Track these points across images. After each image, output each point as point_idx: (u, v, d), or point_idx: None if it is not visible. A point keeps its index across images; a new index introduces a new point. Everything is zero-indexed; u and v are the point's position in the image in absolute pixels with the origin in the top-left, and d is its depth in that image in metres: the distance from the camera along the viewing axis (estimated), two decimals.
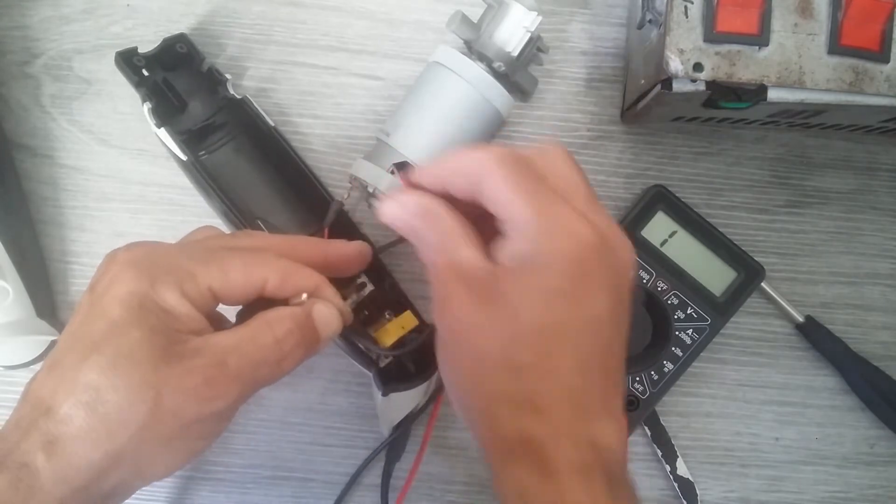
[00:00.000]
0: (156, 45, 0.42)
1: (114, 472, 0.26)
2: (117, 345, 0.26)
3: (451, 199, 0.28)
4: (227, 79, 0.43)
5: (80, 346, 0.26)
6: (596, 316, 0.26)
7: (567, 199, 0.26)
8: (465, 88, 0.39)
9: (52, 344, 0.42)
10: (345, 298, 0.41)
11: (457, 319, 0.27)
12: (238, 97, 0.43)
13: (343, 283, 0.41)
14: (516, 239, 0.26)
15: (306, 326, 0.30)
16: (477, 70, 0.39)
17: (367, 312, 0.41)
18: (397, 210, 0.29)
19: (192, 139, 0.42)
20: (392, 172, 0.32)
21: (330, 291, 0.31)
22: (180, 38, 0.43)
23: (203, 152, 0.43)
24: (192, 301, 0.28)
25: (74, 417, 0.25)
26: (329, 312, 0.31)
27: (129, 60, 0.41)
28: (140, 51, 0.42)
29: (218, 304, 0.29)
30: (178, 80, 0.43)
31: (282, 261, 0.30)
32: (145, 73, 0.42)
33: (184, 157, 0.41)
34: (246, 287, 0.29)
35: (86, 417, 0.25)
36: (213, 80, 0.43)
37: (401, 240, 0.43)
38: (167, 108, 0.42)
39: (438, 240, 0.28)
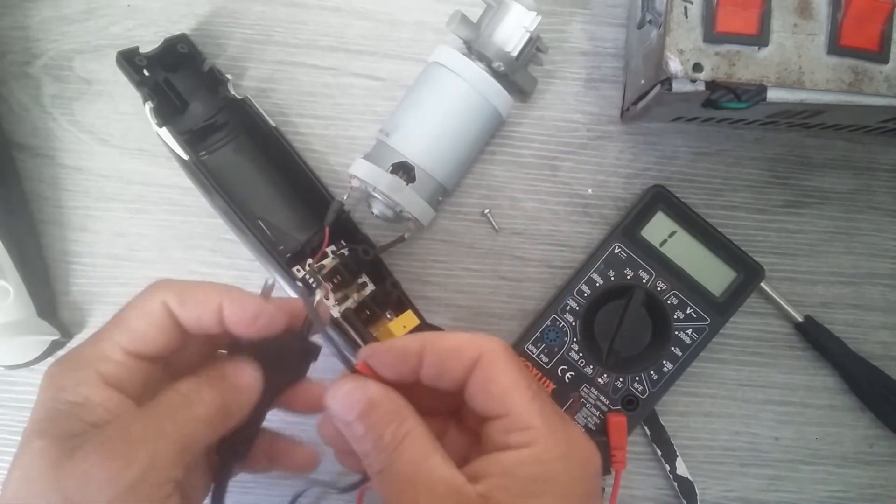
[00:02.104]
0: (156, 45, 0.42)
1: None
2: (23, 459, 0.24)
3: (393, 385, 0.26)
4: (227, 79, 0.43)
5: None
6: None
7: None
8: (465, 88, 0.39)
9: (53, 344, 0.42)
10: (346, 298, 0.41)
11: None
12: (239, 97, 0.43)
13: (344, 284, 0.41)
14: (525, 456, 0.24)
15: (213, 377, 0.27)
16: (476, 70, 0.39)
17: (368, 312, 0.42)
18: (345, 407, 0.25)
19: (193, 139, 0.42)
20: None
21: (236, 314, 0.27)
22: (181, 39, 0.43)
23: (204, 152, 0.43)
24: (113, 377, 0.25)
25: None
26: (237, 367, 0.27)
27: (130, 60, 0.41)
28: (141, 51, 0.42)
29: (157, 353, 0.27)
30: (179, 80, 0.43)
31: (175, 281, 0.27)
32: (146, 73, 0.42)
33: (185, 157, 0.41)
34: (151, 323, 0.26)
35: None
36: (213, 81, 0.43)
37: (401, 239, 0.43)
38: (168, 108, 0.43)
39: (402, 445, 0.24)
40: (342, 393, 0.26)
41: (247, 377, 0.27)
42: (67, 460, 0.23)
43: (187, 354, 0.29)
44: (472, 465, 0.25)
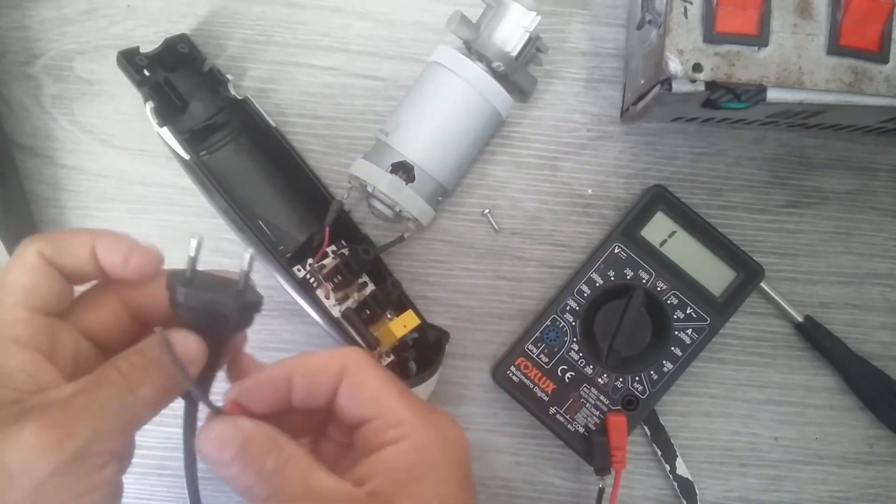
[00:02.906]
0: (156, 45, 0.42)
1: None
2: None
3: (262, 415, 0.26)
4: (228, 79, 0.43)
5: None
6: None
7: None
8: (465, 88, 0.39)
9: None
10: (346, 298, 0.41)
11: None
12: (239, 98, 0.43)
13: (344, 284, 0.41)
14: (403, 447, 0.25)
15: (156, 355, 0.26)
16: (476, 70, 0.39)
17: (368, 312, 0.42)
18: (219, 449, 0.25)
19: (194, 139, 0.42)
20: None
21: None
22: (182, 39, 0.43)
23: (204, 152, 0.43)
24: (25, 337, 0.25)
25: None
26: (179, 341, 0.27)
27: (131, 60, 0.41)
28: (141, 51, 0.42)
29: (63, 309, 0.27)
30: (180, 80, 0.43)
31: (46, 233, 0.26)
32: (147, 73, 0.42)
33: (186, 156, 0.41)
34: (36, 275, 0.26)
35: None
36: (214, 81, 0.43)
37: (400, 239, 0.43)
38: (169, 108, 0.43)
39: (285, 469, 0.25)
40: (214, 435, 0.26)
41: (191, 352, 0.27)
42: (5, 429, 0.23)
43: (103, 318, 0.28)
44: (353, 472, 0.25)
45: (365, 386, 0.26)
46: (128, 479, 0.27)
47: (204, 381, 0.28)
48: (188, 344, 0.26)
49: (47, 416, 0.23)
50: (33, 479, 0.23)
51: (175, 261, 0.44)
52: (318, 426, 0.30)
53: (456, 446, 0.26)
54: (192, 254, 0.27)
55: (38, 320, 0.26)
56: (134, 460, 0.43)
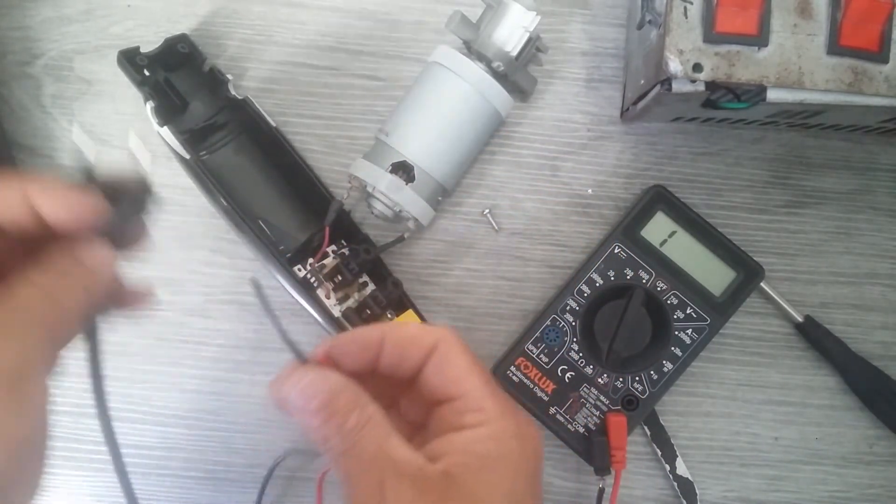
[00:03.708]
0: (156, 45, 0.42)
1: None
2: None
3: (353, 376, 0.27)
4: (228, 79, 0.43)
5: None
6: None
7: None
8: (465, 88, 0.39)
9: None
10: (347, 298, 0.41)
11: None
12: (239, 97, 0.43)
13: (345, 283, 0.41)
14: (480, 434, 0.25)
15: (70, 265, 0.25)
16: (476, 70, 0.39)
17: (369, 312, 0.42)
18: (306, 398, 0.26)
19: (194, 139, 0.42)
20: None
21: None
22: (182, 39, 0.43)
23: (204, 152, 0.43)
24: None
25: None
26: (90, 250, 0.26)
27: (131, 59, 0.41)
28: (142, 51, 0.42)
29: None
30: (180, 80, 0.43)
31: None
32: (147, 72, 0.42)
33: (186, 156, 0.41)
34: None
35: None
36: (214, 81, 0.43)
37: (400, 239, 0.43)
38: (169, 108, 0.43)
39: (365, 429, 0.25)
40: (304, 384, 0.26)
41: (104, 259, 0.26)
42: None
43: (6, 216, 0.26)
44: (428, 447, 0.26)
45: (453, 365, 0.27)
46: None
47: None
48: (103, 255, 0.26)
49: None
50: None
51: (175, 260, 0.45)
52: (394, 398, 0.30)
53: (531, 444, 0.26)
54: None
55: None
56: (134, 460, 0.44)
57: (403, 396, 0.30)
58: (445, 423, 0.26)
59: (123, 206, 0.29)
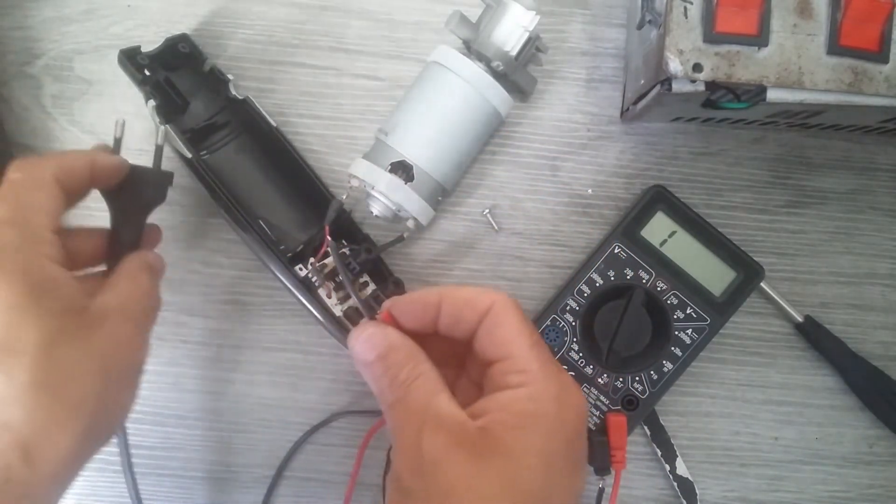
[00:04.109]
0: (157, 45, 0.42)
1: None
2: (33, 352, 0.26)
3: (415, 336, 0.29)
4: (229, 79, 0.43)
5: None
6: (578, 488, 0.27)
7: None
8: (464, 88, 0.39)
9: None
10: (348, 297, 0.41)
11: (449, 481, 0.25)
12: (240, 97, 0.43)
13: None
14: (520, 394, 0.26)
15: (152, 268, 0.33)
16: (475, 69, 0.39)
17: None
18: (366, 349, 0.28)
19: (194, 138, 0.42)
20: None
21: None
22: (182, 39, 0.43)
23: (205, 152, 0.43)
24: (57, 257, 0.28)
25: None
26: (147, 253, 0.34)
27: (132, 59, 0.41)
28: (142, 50, 0.42)
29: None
30: (180, 79, 0.43)
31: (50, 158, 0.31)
32: (147, 72, 0.42)
33: (188, 155, 0.41)
34: (56, 203, 0.29)
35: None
36: (214, 81, 0.43)
37: (400, 239, 0.43)
38: (169, 108, 0.43)
39: (415, 383, 0.27)
40: (364, 336, 0.28)
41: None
42: (92, 331, 0.28)
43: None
44: (474, 406, 0.27)
45: (503, 327, 0.27)
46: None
47: (118, 252, 0.33)
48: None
49: (117, 328, 0.29)
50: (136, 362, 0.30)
51: (175, 260, 0.45)
52: (458, 361, 0.32)
53: (572, 408, 0.27)
54: (118, 134, 0.34)
55: (57, 239, 0.29)
56: (134, 460, 0.44)
57: (468, 358, 0.31)
58: (493, 383, 0.28)
59: (148, 192, 0.35)
